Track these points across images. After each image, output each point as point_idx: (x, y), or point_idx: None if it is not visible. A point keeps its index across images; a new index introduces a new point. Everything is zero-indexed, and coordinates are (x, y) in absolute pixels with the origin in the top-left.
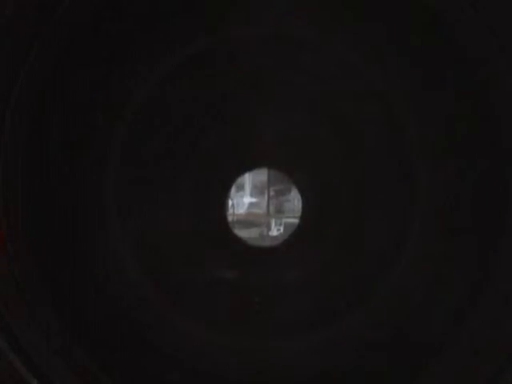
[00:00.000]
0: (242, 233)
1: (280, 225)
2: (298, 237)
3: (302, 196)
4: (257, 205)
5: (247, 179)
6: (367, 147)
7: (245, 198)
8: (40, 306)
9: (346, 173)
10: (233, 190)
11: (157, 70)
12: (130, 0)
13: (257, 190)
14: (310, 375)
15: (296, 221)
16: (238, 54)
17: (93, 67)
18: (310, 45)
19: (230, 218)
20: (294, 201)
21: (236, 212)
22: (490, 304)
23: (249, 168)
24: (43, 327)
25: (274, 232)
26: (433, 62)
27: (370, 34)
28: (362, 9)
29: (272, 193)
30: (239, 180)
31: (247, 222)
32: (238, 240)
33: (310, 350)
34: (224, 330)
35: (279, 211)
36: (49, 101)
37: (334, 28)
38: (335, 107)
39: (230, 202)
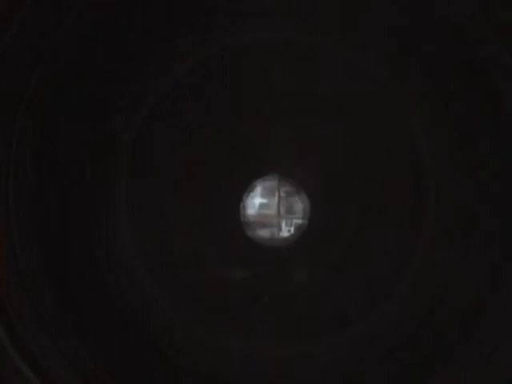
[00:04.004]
0: (252, 234)
1: (291, 226)
2: (308, 238)
3: (310, 198)
4: (267, 206)
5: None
6: (376, 150)
7: (255, 199)
8: (44, 306)
9: (354, 174)
10: None
11: (167, 75)
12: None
13: (267, 191)
14: (321, 381)
15: (306, 222)
16: (248, 59)
17: (102, 73)
18: (321, 50)
19: (240, 219)
20: (305, 202)
21: (246, 213)
22: (504, 307)
23: (259, 175)
24: (47, 327)
25: (284, 233)
26: (441, 64)
27: (376, 37)
28: (369, 13)
29: (282, 194)
30: None
31: (258, 222)
32: (249, 240)
33: (321, 353)
34: (232, 331)
35: (290, 212)
36: (60, 104)
37: (339, 31)
38: (343, 111)
39: (241, 203)
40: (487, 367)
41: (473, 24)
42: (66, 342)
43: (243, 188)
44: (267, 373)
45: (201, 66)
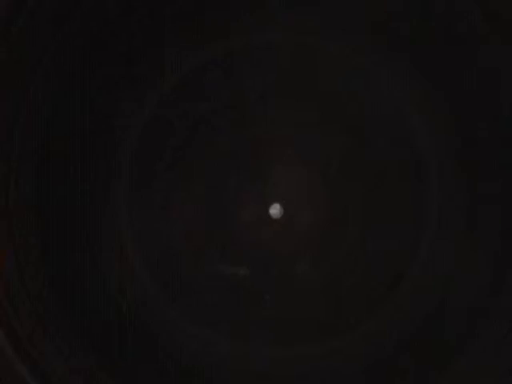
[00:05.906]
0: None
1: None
2: (309, 238)
3: (310, 199)
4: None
5: None
6: (376, 150)
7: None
8: (43, 307)
9: (355, 175)
10: None
11: (168, 76)
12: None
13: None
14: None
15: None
16: (254, 61)
17: (105, 73)
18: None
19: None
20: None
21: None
22: (506, 306)
23: (260, 175)
24: (46, 328)
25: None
26: (442, 64)
27: (376, 37)
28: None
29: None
30: None
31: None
32: (250, 240)
33: (322, 354)
34: (232, 331)
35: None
36: (62, 103)
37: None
38: (345, 112)
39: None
40: (490, 366)
41: (472, 23)
42: (65, 342)
43: (244, 188)
44: (268, 373)
45: (201, 66)
